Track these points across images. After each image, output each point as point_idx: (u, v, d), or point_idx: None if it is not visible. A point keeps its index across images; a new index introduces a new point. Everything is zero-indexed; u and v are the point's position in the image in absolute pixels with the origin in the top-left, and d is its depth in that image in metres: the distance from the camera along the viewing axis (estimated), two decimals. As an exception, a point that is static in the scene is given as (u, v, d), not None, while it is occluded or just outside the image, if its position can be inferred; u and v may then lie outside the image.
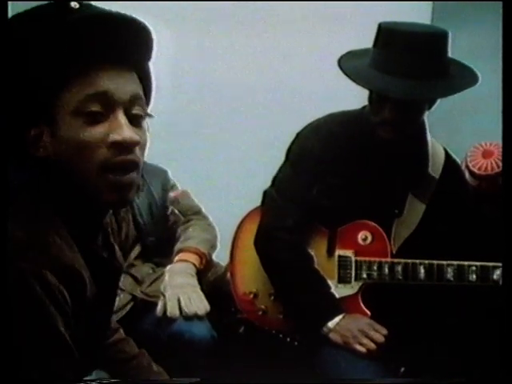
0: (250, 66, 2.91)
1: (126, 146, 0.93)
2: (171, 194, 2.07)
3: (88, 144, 0.91)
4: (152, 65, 1.03)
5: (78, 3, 0.91)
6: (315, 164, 1.74)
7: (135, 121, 0.96)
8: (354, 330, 1.65)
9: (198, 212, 2.10)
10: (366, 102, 1.71)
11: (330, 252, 1.76)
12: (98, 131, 0.92)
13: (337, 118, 1.79)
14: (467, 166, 1.93)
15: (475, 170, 1.90)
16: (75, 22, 0.90)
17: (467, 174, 1.93)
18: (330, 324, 1.67)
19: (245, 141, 2.91)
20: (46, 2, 0.92)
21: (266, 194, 1.83)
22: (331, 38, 2.69)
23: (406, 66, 1.55)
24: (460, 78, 1.62)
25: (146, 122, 0.99)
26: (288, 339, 1.79)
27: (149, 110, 1.01)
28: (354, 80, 1.60)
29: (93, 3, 0.94)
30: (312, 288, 1.73)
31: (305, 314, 1.72)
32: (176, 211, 2.06)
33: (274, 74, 2.91)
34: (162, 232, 2.03)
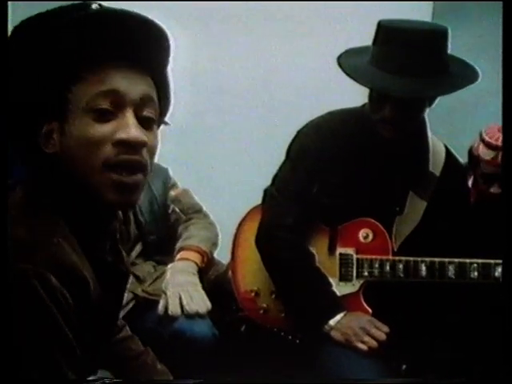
0: (250, 64, 2.91)
1: (133, 146, 0.92)
2: (172, 193, 2.06)
3: (94, 141, 0.91)
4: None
5: (99, 5, 0.91)
6: (315, 162, 1.74)
7: (145, 123, 0.94)
8: (356, 327, 1.65)
9: (198, 210, 2.10)
10: (366, 100, 1.71)
11: (331, 250, 1.76)
12: (105, 129, 0.91)
13: (337, 116, 1.78)
14: (483, 139, 1.93)
15: (492, 141, 1.90)
16: (91, 17, 0.89)
17: (482, 149, 1.92)
18: (332, 322, 1.66)
19: (245, 139, 2.91)
20: (64, 3, 0.91)
21: (266, 192, 1.83)
22: (332, 38, 2.69)
23: (406, 63, 1.54)
24: (460, 75, 1.61)
25: (159, 128, 0.98)
26: (289, 337, 1.79)
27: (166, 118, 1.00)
28: (353, 78, 1.60)
29: (105, 3, 0.93)
30: (313, 286, 1.73)
31: (306, 312, 1.72)
32: (177, 210, 2.06)
33: (274, 72, 2.91)
34: (163, 230, 2.03)
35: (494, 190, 1.91)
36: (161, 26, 0.94)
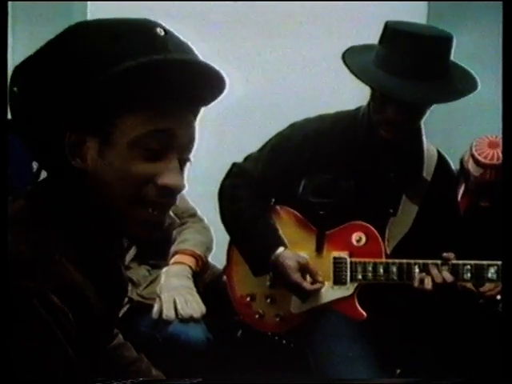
0: (247, 65, 2.91)
1: (174, 192, 0.93)
2: (167, 196, 2.06)
3: (137, 178, 0.90)
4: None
5: (164, 30, 0.90)
6: (294, 156, 1.76)
7: (182, 165, 0.95)
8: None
9: (193, 214, 2.10)
10: (362, 103, 1.72)
11: (319, 251, 1.76)
12: (149, 169, 0.90)
13: (327, 118, 1.80)
14: (472, 155, 1.94)
15: (481, 159, 1.91)
16: (156, 61, 0.87)
17: (471, 164, 1.93)
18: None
19: (241, 143, 2.90)
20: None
21: (234, 164, 1.89)
22: (327, 37, 2.70)
23: (412, 67, 1.55)
24: (462, 82, 1.61)
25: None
26: (284, 341, 1.79)
27: None
28: (359, 77, 1.60)
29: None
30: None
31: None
32: (171, 213, 2.05)
33: (272, 73, 2.92)
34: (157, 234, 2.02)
35: (483, 203, 1.92)
36: (221, 72, 0.93)
